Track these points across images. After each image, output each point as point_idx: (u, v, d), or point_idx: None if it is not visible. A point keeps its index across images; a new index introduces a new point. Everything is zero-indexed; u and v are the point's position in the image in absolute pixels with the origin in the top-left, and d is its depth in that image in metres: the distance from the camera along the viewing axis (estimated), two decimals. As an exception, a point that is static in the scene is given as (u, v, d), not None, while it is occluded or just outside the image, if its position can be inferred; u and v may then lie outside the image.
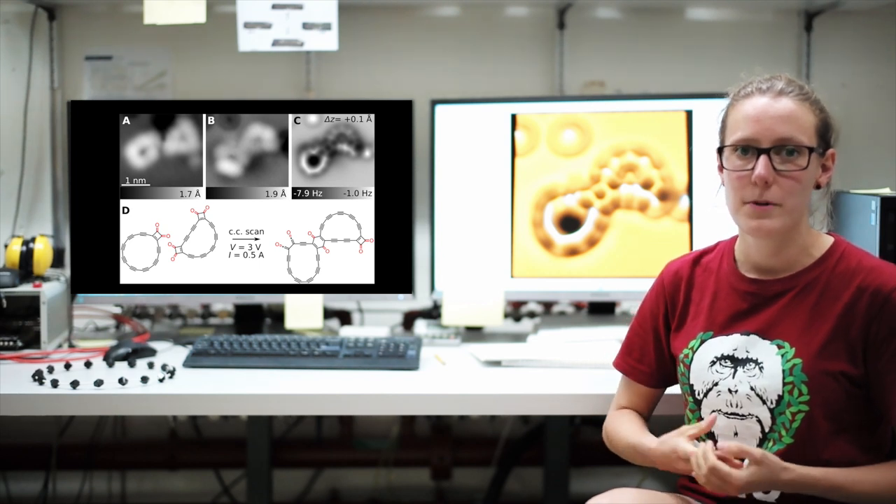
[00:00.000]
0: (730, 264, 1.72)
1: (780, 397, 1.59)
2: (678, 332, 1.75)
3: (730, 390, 1.63)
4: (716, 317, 1.69)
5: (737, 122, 1.63)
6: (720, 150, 1.66)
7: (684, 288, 1.76)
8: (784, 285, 1.64)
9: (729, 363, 1.64)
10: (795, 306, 1.62)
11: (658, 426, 1.88)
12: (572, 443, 2.85)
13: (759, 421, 1.61)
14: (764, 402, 1.60)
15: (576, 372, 2.10)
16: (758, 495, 1.61)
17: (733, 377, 1.63)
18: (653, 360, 1.79)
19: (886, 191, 2.01)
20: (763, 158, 1.58)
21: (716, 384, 1.65)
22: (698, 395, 1.68)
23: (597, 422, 2.89)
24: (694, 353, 1.69)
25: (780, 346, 1.61)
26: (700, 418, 1.68)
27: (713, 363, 1.66)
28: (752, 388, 1.61)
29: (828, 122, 1.64)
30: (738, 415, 1.63)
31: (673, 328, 1.77)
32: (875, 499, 1.55)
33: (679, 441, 1.59)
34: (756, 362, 1.62)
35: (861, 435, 1.60)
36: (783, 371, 1.59)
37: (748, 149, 1.60)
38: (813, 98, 1.63)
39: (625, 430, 1.77)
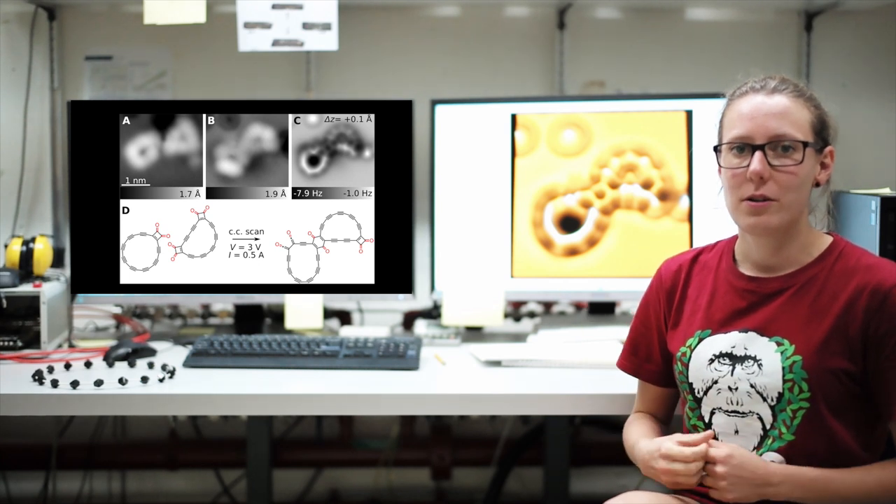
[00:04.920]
0: (729, 263, 1.72)
1: (781, 394, 1.59)
2: (674, 330, 1.75)
3: (729, 388, 1.63)
4: (714, 315, 1.69)
5: (732, 120, 1.65)
6: (717, 150, 1.67)
7: (682, 285, 1.76)
8: (783, 283, 1.65)
9: (727, 361, 1.64)
10: (794, 304, 1.62)
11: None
12: (572, 443, 2.85)
13: (760, 418, 1.61)
14: (764, 400, 1.60)
15: (576, 372, 2.10)
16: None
17: (732, 374, 1.63)
18: (660, 358, 1.79)
19: (886, 191, 2.01)
20: (758, 154, 1.59)
21: (715, 382, 1.65)
22: (698, 393, 1.68)
23: (597, 422, 2.92)
24: (692, 351, 1.69)
25: (779, 344, 1.61)
26: (700, 416, 1.68)
27: (711, 361, 1.66)
28: (752, 386, 1.61)
29: (824, 119, 1.65)
30: (738, 412, 1.63)
31: (669, 325, 1.77)
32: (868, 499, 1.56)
33: (665, 441, 1.62)
34: (755, 359, 1.62)
35: (862, 432, 1.60)
36: (783, 368, 1.59)
37: (743, 146, 1.61)
38: (808, 95, 1.64)
39: (631, 434, 1.78)
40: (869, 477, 1.56)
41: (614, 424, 2.97)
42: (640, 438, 1.73)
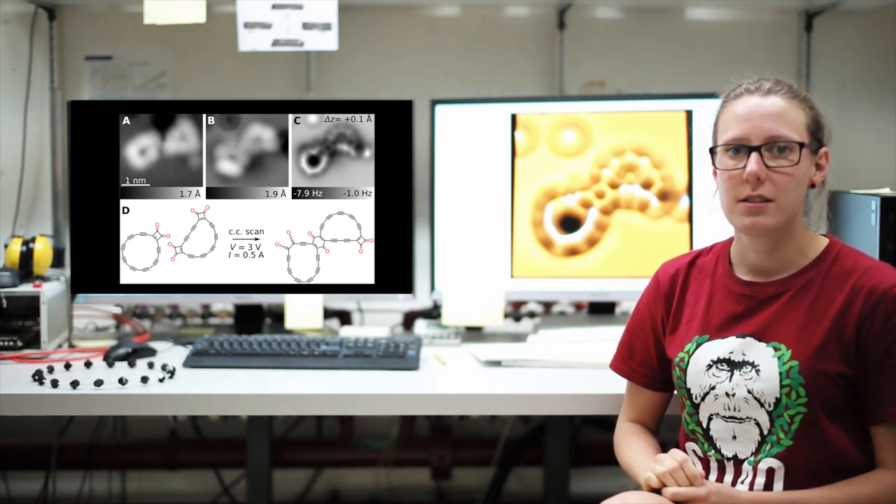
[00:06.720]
0: (725, 266, 1.71)
1: (778, 400, 1.58)
2: (672, 335, 1.74)
3: (727, 394, 1.62)
4: (711, 320, 1.68)
5: (727, 122, 1.64)
6: (712, 152, 1.67)
7: (679, 289, 1.75)
8: (779, 287, 1.64)
9: (725, 367, 1.63)
10: (791, 308, 1.61)
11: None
12: (572, 443, 2.85)
13: (758, 424, 1.60)
14: (762, 406, 1.59)
15: (576, 372, 2.10)
16: None
17: (730, 380, 1.62)
18: (655, 362, 1.78)
19: (886, 191, 2.01)
20: (754, 155, 1.58)
21: (713, 388, 1.64)
22: (695, 398, 1.67)
23: (597, 422, 2.92)
24: (690, 356, 1.68)
25: (776, 349, 1.60)
26: (698, 422, 1.67)
27: (709, 367, 1.65)
28: (749, 392, 1.60)
29: (819, 120, 1.64)
30: (736, 418, 1.62)
31: (667, 330, 1.76)
32: None
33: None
34: (753, 365, 1.61)
35: (860, 436, 1.59)
36: (780, 374, 1.58)
37: (739, 148, 1.61)
38: (802, 96, 1.64)
39: (629, 457, 1.76)
40: (838, 496, 1.55)
41: (614, 424, 2.96)
42: (639, 467, 1.70)
